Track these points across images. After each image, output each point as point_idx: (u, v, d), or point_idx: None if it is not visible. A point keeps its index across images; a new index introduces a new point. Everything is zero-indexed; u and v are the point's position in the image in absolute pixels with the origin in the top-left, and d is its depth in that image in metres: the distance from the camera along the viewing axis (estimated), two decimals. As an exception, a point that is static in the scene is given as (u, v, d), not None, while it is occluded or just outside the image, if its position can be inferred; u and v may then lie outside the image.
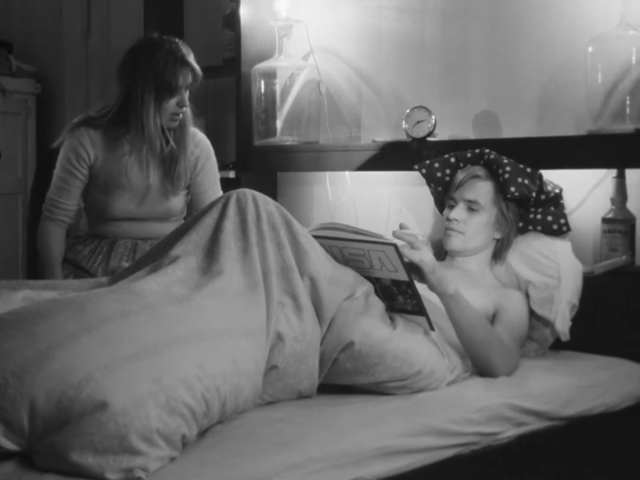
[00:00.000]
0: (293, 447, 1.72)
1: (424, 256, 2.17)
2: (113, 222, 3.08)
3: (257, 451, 1.69)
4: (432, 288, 2.22)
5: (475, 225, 2.57)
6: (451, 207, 2.62)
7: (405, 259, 2.12)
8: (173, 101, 2.96)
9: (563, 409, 2.22)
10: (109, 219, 3.08)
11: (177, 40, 3.02)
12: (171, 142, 3.02)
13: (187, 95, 3.00)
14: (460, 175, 2.67)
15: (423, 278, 2.20)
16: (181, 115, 3.00)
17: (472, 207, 2.58)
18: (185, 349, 1.74)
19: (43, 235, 3.07)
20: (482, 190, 2.59)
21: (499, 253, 2.63)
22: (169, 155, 3.02)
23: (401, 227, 2.21)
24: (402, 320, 2.18)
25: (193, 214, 2.33)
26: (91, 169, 3.04)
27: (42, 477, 1.54)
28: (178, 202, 3.11)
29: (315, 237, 2.21)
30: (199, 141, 3.13)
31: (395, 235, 2.16)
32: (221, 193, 3.15)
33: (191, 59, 2.99)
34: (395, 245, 2.08)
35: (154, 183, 3.04)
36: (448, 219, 2.59)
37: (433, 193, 2.83)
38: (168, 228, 2.95)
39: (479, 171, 2.64)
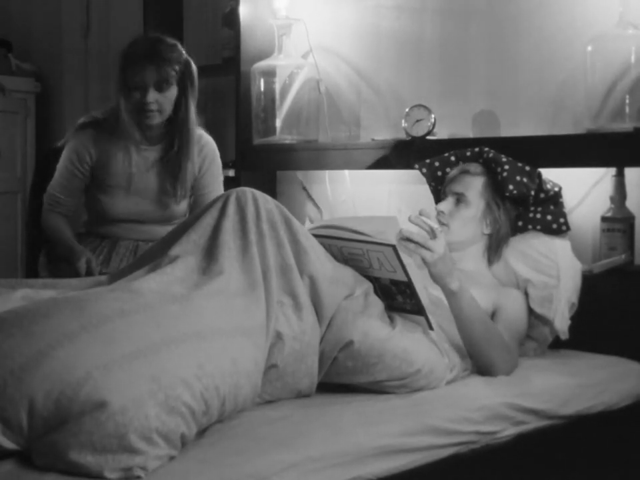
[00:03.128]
0: (292, 446, 1.72)
1: (433, 247, 2.14)
2: (114, 223, 3.08)
3: (256, 449, 1.69)
4: (433, 279, 2.22)
5: (460, 217, 2.57)
6: (442, 201, 2.64)
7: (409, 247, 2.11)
8: (135, 96, 2.93)
9: (562, 408, 2.22)
10: (110, 220, 3.08)
11: (161, 37, 2.99)
12: (176, 146, 3.02)
13: (158, 94, 2.94)
14: (453, 171, 2.68)
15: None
16: (152, 113, 2.95)
17: (459, 199, 2.58)
18: (184, 348, 1.74)
19: (50, 224, 3.11)
20: (470, 184, 2.59)
21: (491, 249, 2.62)
22: (173, 160, 3.02)
23: (421, 212, 2.18)
24: (401, 319, 2.19)
25: (192, 213, 2.33)
26: (93, 170, 3.05)
27: (41, 476, 1.54)
28: (180, 205, 3.10)
29: (315, 235, 2.21)
30: (205, 144, 3.12)
31: (410, 219, 2.15)
32: None
33: (161, 56, 2.92)
34: (393, 246, 2.08)
35: (155, 187, 3.04)
36: (436, 212, 2.59)
37: (433, 192, 2.83)
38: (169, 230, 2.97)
39: (471, 166, 2.64)
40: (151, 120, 2.98)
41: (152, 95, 2.93)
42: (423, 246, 2.13)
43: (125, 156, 3.02)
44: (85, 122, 3.08)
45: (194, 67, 3.03)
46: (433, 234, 2.16)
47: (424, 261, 2.16)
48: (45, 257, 3.15)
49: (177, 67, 2.96)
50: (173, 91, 2.98)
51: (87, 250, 3.02)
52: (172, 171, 3.03)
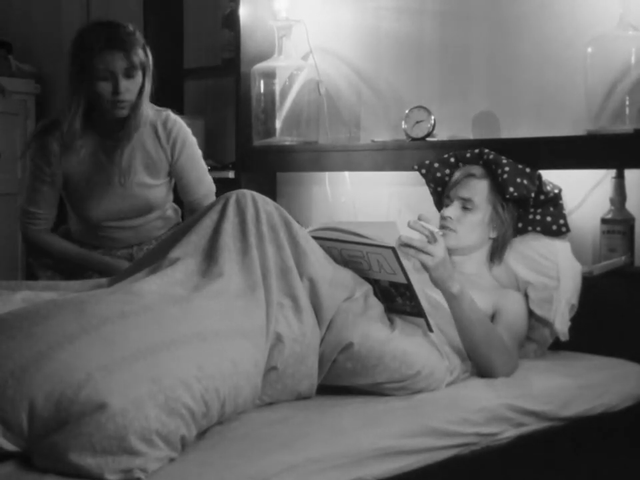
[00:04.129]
0: (292, 448, 1.72)
1: (433, 251, 2.15)
2: (102, 230, 2.99)
3: (256, 451, 1.69)
4: (434, 283, 2.22)
5: (468, 223, 2.57)
6: (447, 206, 2.63)
7: (408, 254, 2.11)
8: (106, 87, 2.79)
9: (562, 410, 2.22)
10: (97, 227, 2.99)
11: (118, 21, 2.86)
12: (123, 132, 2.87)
13: (128, 82, 2.80)
14: (456, 174, 2.67)
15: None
16: (123, 103, 2.81)
17: (466, 205, 2.58)
18: (184, 349, 1.74)
19: (43, 245, 3.00)
20: (476, 188, 2.59)
21: (495, 252, 2.62)
22: (118, 144, 2.89)
23: (420, 217, 2.18)
24: (401, 321, 2.18)
25: (192, 215, 2.32)
26: (63, 175, 2.93)
27: (41, 477, 1.54)
28: (156, 192, 2.98)
29: (315, 237, 2.21)
30: (172, 127, 2.96)
31: (409, 225, 2.15)
32: (206, 170, 3.05)
33: (128, 42, 2.79)
34: (393, 248, 2.08)
35: (113, 173, 2.92)
36: (442, 217, 2.59)
37: (432, 194, 2.82)
38: (158, 225, 2.95)
39: (475, 169, 2.64)
40: (122, 112, 2.84)
41: (124, 84, 2.79)
42: (422, 251, 2.13)
43: (90, 155, 2.91)
44: (45, 125, 2.95)
45: (149, 52, 2.89)
46: (432, 238, 2.16)
47: (425, 265, 2.16)
48: (39, 259, 3.10)
49: (140, 52, 2.83)
50: (139, 78, 2.83)
51: (119, 260, 2.96)
52: (116, 158, 2.90)
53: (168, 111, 2.98)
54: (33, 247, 3.04)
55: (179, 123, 2.98)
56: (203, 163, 3.06)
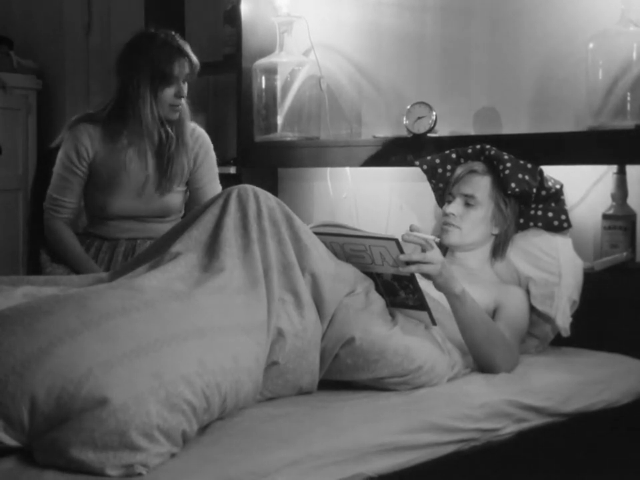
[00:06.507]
0: (293, 443, 1.72)
1: (433, 258, 2.15)
2: (112, 221, 3.05)
3: (258, 447, 1.69)
4: (438, 288, 2.22)
5: (471, 219, 2.57)
6: (449, 202, 2.62)
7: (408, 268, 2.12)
8: (170, 91, 2.95)
9: (563, 405, 2.22)
10: (108, 218, 3.05)
11: (173, 33, 3.02)
12: (171, 134, 2.98)
13: (185, 86, 2.99)
14: (458, 170, 2.67)
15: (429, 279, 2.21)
16: (180, 106, 2.98)
17: (469, 201, 2.58)
18: (186, 345, 1.74)
19: (57, 236, 3.04)
20: (479, 185, 2.59)
21: (498, 248, 2.63)
22: (167, 150, 3.00)
23: (411, 228, 2.19)
24: (402, 316, 2.19)
25: (193, 209, 2.33)
26: (91, 166, 3.01)
27: (42, 472, 1.54)
28: (176, 198, 3.07)
29: (316, 233, 2.21)
30: (198, 137, 3.10)
31: (404, 238, 2.16)
32: (219, 187, 3.14)
33: (188, 49, 2.99)
34: (396, 240, 2.09)
35: (151, 177, 3.01)
36: (445, 214, 2.59)
37: (433, 189, 2.82)
38: (167, 227, 2.95)
39: (477, 166, 2.64)
40: (176, 115, 3.00)
41: (185, 89, 2.98)
42: (422, 262, 2.13)
43: (120, 147, 2.99)
44: (79, 117, 3.05)
45: None
46: (428, 245, 2.16)
47: (429, 276, 2.17)
48: (47, 253, 3.13)
49: (192, 57, 3.02)
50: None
51: (98, 267, 2.99)
52: (166, 162, 3.00)
53: (194, 124, 3.12)
54: (49, 236, 3.08)
55: (204, 136, 3.15)
56: (218, 180, 3.17)
